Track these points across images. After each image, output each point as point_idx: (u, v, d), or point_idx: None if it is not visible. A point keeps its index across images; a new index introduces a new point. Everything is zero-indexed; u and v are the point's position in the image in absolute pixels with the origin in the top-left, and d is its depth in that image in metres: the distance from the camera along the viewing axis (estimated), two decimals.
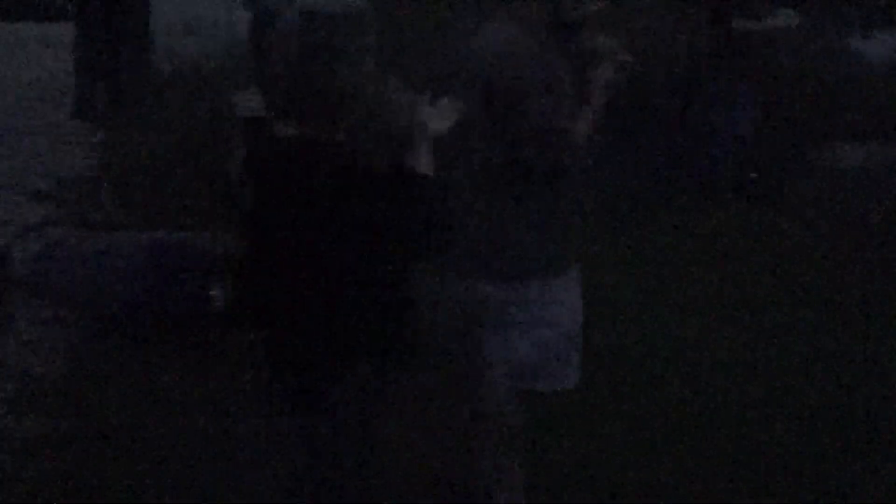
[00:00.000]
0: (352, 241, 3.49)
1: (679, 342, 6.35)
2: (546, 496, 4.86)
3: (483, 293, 4.44)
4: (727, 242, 7.75)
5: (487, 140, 4.36)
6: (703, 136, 8.71)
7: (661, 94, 8.90)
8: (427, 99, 3.62)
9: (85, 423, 5.54)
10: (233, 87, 7.84)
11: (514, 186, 4.36)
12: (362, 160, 3.45)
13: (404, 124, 3.51)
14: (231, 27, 10.56)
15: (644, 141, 8.61)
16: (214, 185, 7.44)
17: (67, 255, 7.15)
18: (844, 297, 6.95)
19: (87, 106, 11.15)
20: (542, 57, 4.36)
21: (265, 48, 6.42)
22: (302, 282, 3.56)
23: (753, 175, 8.67)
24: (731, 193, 8.56)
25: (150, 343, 6.25)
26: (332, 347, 3.57)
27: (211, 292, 6.35)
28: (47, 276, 7.09)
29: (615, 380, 5.80)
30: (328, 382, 3.56)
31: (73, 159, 9.82)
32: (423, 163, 3.55)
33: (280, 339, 3.67)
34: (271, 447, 4.79)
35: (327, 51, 3.40)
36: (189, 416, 5.52)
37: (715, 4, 8.72)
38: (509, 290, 4.44)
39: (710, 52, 8.69)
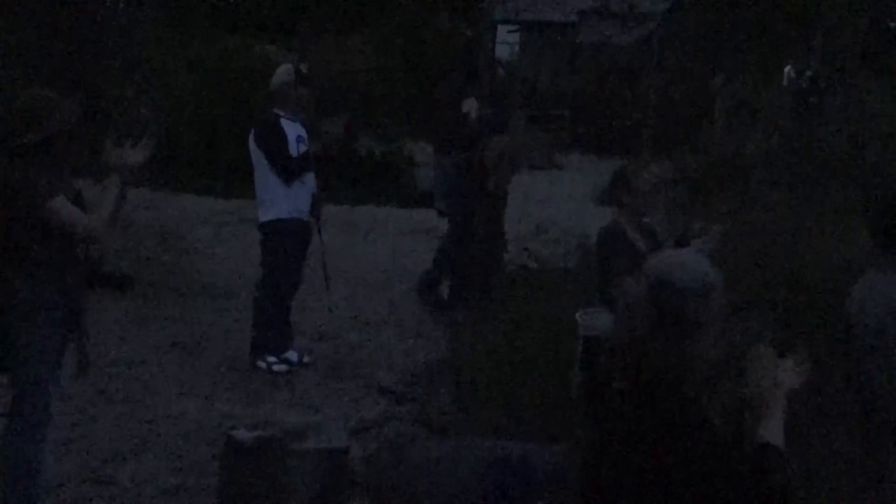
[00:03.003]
0: (688, 497, 3.33)
1: None
2: None
3: None
4: None
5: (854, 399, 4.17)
6: None
7: None
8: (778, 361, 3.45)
9: None
10: (580, 295, 7.81)
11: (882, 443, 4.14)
12: (709, 425, 3.30)
13: (756, 388, 3.36)
14: (582, 233, 10.59)
15: None
16: (553, 398, 7.37)
17: (405, 457, 7.18)
18: None
19: (434, 295, 11.36)
20: None
21: (612, 279, 6.32)
22: None
23: None
24: None
25: None
26: None
27: None
28: (383, 476, 7.13)
29: None
30: None
31: (416, 354, 9.95)
32: (774, 431, 3.38)
33: None
34: None
35: (678, 322, 3.31)
36: None
37: None
38: None
39: None
